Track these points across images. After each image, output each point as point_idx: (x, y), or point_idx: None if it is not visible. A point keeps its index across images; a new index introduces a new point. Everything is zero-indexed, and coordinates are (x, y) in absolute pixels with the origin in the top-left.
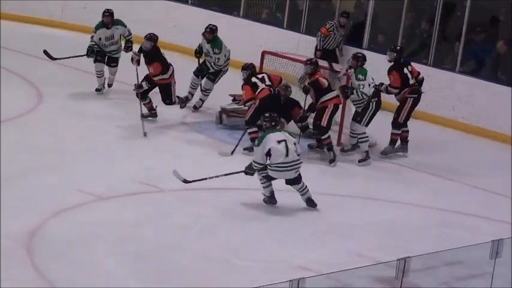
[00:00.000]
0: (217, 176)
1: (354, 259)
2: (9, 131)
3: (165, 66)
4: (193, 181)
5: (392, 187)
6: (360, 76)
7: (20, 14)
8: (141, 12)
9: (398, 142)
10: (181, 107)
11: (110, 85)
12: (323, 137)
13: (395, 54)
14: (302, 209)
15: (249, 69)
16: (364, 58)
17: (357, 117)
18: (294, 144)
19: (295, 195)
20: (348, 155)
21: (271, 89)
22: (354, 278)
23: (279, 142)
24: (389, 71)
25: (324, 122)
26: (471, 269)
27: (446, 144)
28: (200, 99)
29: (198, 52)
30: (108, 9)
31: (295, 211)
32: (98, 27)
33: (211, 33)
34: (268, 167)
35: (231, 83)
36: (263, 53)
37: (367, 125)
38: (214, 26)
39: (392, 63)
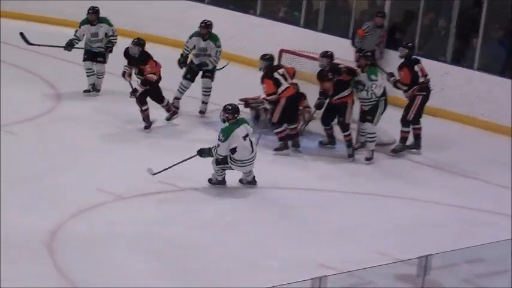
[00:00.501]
0: (179, 163)
1: (375, 257)
2: (28, 131)
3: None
4: (160, 172)
5: (409, 185)
6: (373, 76)
7: (32, 14)
8: (157, 11)
9: (411, 140)
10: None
11: (97, 90)
12: (345, 134)
13: (407, 51)
14: (322, 208)
15: (267, 60)
16: (372, 57)
17: (367, 117)
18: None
19: (314, 194)
20: (356, 154)
21: (295, 87)
22: (375, 275)
23: (244, 138)
24: (400, 67)
25: (347, 119)
26: (492, 266)
27: (465, 141)
28: (203, 102)
29: (183, 62)
30: (93, 7)
31: (315, 210)
32: (82, 23)
33: (206, 28)
34: (233, 162)
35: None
36: (281, 52)
37: (376, 123)
38: (209, 21)
39: (403, 60)
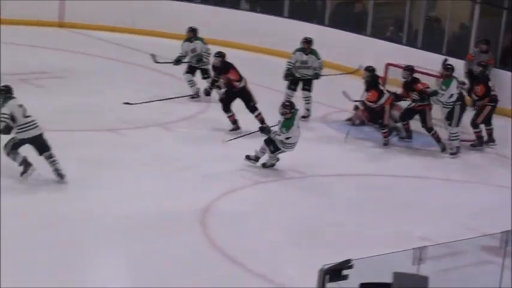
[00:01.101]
0: (245, 135)
1: (465, 232)
2: (184, 128)
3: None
4: (231, 139)
5: (492, 173)
6: (443, 87)
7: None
8: (286, 31)
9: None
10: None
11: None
12: (431, 134)
13: (481, 69)
14: (419, 191)
15: (371, 71)
16: (452, 69)
17: (447, 120)
18: None
19: (411, 180)
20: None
21: (391, 95)
22: (465, 246)
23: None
24: (477, 83)
25: (428, 123)
26: None
27: None
28: (307, 109)
29: (291, 75)
30: (191, 27)
31: (414, 193)
32: (184, 41)
33: (307, 43)
34: (285, 146)
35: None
36: (387, 65)
37: (457, 125)
38: (310, 37)
39: (479, 76)
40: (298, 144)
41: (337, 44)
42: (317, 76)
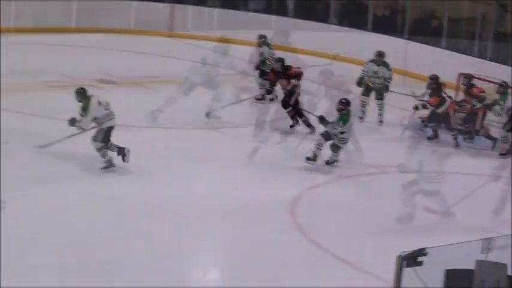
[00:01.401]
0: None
1: None
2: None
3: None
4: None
5: None
6: (501, 102)
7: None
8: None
9: None
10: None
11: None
12: (480, 134)
13: None
14: (483, 187)
15: (435, 79)
16: (506, 86)
17: (504, 126)
18: None
19: (474, 177)
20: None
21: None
22: None
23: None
24: None
25: (477, 125)
26: None
27: None
28: (380, 114)
29: (362, 83)
30: (260, 34)
31: (477, 189)
32: (256, 47)
33: (379, 56)
34: (342, 141)
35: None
36: (459, 74)
37: (509, 130)
38: (382, 51)
39: None
40: (374, 144)
41: (415, 56)
42: (386, 89)
